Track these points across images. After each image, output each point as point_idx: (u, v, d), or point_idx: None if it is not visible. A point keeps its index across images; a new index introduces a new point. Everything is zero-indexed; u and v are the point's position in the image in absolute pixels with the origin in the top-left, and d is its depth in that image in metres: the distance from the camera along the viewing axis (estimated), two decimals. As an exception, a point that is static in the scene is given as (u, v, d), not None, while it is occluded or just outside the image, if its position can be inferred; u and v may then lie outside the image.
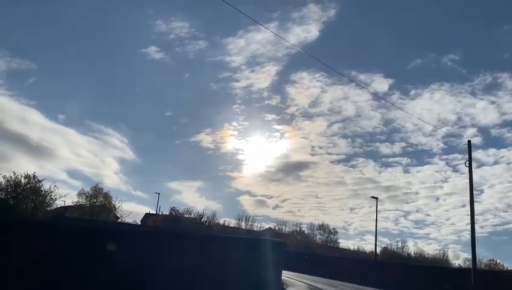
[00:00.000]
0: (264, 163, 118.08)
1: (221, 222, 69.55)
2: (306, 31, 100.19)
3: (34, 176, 39.28)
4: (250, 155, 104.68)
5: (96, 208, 52.12)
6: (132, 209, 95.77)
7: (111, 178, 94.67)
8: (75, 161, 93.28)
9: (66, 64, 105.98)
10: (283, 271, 29.20)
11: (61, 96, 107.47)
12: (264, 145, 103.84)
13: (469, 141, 28.03)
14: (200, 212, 49.52)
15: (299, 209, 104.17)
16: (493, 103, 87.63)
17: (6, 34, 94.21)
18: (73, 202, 52.55)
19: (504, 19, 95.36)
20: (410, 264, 35.23)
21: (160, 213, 55.09)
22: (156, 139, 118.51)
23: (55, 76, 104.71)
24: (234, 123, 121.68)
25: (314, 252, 53.31)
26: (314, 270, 35.30)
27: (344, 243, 76.90)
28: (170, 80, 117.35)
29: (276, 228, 75.72)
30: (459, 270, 26.93)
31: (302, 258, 42.59)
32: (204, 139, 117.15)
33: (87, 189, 53.42)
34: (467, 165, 27.38)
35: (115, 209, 53.93)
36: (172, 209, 49.42)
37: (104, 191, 54.14)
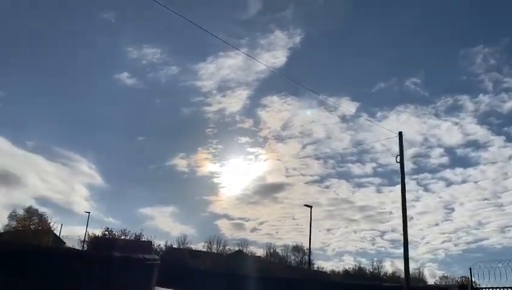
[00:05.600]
0: (240, 186, 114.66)
1: (192, 246, 65.92)
2: (274, 56, 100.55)
3: None
4: (225, 178, 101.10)
5: (30, 232, 47.55)
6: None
7: (81, 205, 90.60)
8: (44, 188, 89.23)
9: (36, 91, 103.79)
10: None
11: (29, 122, 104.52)
12: (239, 168, 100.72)
13: (400, 133, 23.92)
14: (137, 234, 44.61)
15: (276, 231, 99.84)
16: (456, 124, 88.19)
17: None
18: (3, 225, 48.18)
19: (460, 44, 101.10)
20: (341, 282, 31.01)
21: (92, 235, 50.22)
22: (128, 164, 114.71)
23: (24, 102, 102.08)
24: (208, 147, 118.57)
25: (273, 275, 48.38)
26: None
27: (324, 265, 72.67)
28: (143, 105, 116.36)
29: (247, 250, 71.69)
30: (393, 287, 22.80)
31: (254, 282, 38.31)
32: (180, 163, 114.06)
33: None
34: (398, 160, 23.27)
35: (50, 233, 49.36)
36: (106, 230, 44.65)
37: (40, 212, 49.73)
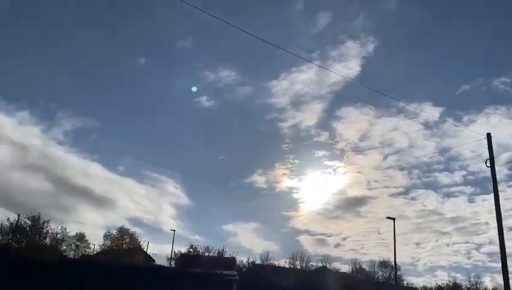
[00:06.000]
0: (320, 200, 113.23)
1: (275, 262, 66.14)
2: (347, 67, 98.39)
3: (38, 217, 39.05)
4: (305, 193, 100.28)
5: (123, 251, 50.70)
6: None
7: (169, 224, 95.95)
8: (135, 209, 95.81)
9: (124, 119, 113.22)
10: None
11: (120, 149, 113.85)
12: (318, 182, 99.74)
13: (488, 134, 21.98)
14: (220, 250, 45.71)
15: (361, 246, 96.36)
16: (558, 123, 78.31)
17: (70, 94, 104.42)
18: (99, 245, 51.87)
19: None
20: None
21: (178, 252, 52.20)
22: (209, 183, 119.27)
23: (114, 130, 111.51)
24: (285, 162, 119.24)
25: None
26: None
27: (415, 280, 68.90)
28: (221, 126, 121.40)
29: (331, 266, 70.03)
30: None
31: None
32: (258, 180, 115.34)
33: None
34: (488, 165, 21.35)
35: (140, 251, 52.28)
36: (191, 247, 46.28)
37: (131, 232, 52.97)
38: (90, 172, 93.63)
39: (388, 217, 34.17)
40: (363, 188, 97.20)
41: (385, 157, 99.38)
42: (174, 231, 59.21)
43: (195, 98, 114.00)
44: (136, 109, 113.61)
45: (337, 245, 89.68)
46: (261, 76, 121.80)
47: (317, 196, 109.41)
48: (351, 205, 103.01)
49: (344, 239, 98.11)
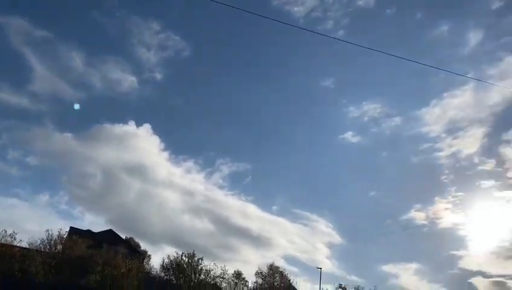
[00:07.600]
0: (493, 237, 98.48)
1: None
2: (510, 85, 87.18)
3: (193, 254, 42.14)
4: (473, 229, 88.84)
5: (274, 289, 51.16)
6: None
7: (325, 263, 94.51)
8: (290, 248, 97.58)
9: (273, 162, 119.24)
10: None
11: (272, 189, 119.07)
12: (488, 216, 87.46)
13: None
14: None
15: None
16: None
17: (226, 143, 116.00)
18: (252, 283, 53.25)
19: None
20: None
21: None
22: (362, 221, 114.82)
23: (265, 173, 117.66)
24: (446, 196, 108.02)
25: None
26: None
27: None
28: (370, 161, 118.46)
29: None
30: None
31: None
32: (417, 216, 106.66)
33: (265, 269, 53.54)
34: None
35: (291, 288, 51.89)
36: (339, 286, 44.31)
37: (280, 269, 53.28)
38: (247, 213, 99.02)
39: None
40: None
41: None
42: (321, 268, 57.84)
43: (340, 135, 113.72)
44: (282, 150, 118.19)
45: (521, 288, 75.87)
46: (409, 105, 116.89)
47: (489, 232, 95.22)
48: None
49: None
